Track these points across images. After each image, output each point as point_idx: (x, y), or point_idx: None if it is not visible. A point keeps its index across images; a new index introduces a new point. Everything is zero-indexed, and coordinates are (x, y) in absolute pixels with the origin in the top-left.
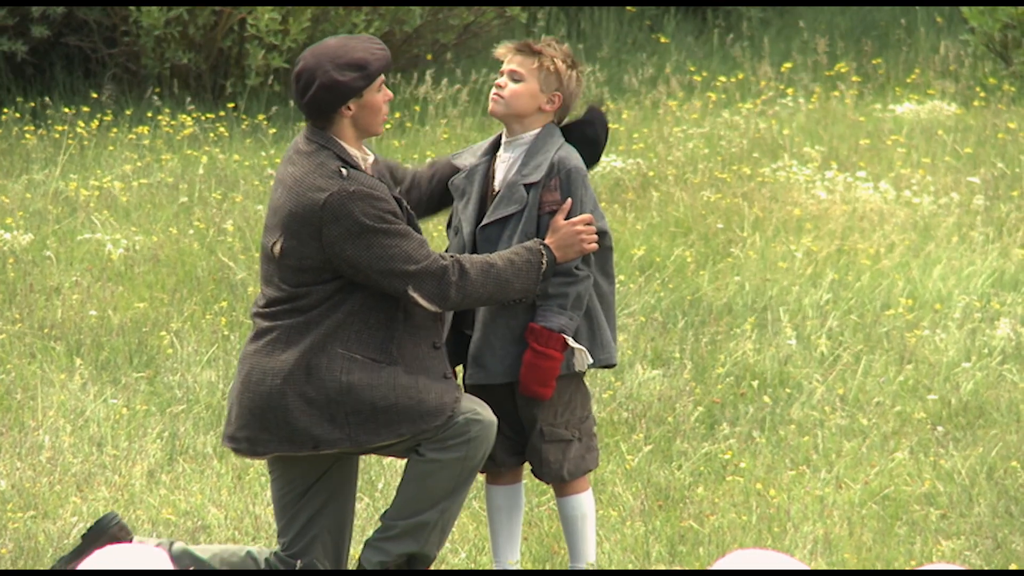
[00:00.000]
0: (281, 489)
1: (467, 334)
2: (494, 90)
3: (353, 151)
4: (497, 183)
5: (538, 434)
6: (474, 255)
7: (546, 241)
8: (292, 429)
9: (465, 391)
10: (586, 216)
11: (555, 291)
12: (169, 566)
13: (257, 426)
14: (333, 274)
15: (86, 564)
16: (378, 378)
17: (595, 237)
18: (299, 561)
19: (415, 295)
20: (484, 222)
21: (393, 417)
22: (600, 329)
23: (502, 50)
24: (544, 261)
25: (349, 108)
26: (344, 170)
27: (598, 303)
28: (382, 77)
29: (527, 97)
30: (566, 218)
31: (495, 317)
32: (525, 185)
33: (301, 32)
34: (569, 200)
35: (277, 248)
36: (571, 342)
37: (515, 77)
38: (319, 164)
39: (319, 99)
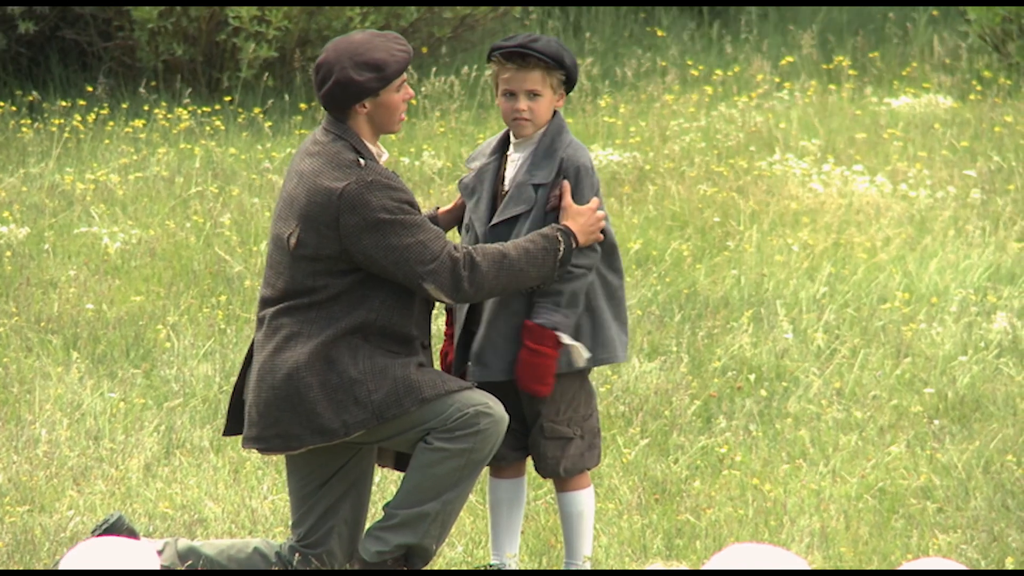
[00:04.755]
0: (299, 481)
1: (475, 332)
2: (517, 114)
3: (369, 146)
4: (507, 183)
5: (539, 429)
6: (488, 245)
7: (567, 224)
8: (321, 420)
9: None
10: (596, 202)
11: (550, 288)
12: (156, 564)
13: (287, 421)
14: (349, 265)
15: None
16: (400, 358)
17: (604, 225)
18: (317, 551)
19: (429, 287)
20: (493, 221)
21: (413, 384)
22: (602, 327)
23: (504, 72)
24: (561, 247)
25: (364, 106)
26: (361, 160)
27: (604, 301)
28: (403, 76)
29: (548, 107)
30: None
31: (498, 314)
32: (533, 185)
33: (284, 20)
34: (566, 182)
35: (293, 239)
36: (564, 339)
37: (535, 94)
38: (335, 154)
39: (334, 95)
